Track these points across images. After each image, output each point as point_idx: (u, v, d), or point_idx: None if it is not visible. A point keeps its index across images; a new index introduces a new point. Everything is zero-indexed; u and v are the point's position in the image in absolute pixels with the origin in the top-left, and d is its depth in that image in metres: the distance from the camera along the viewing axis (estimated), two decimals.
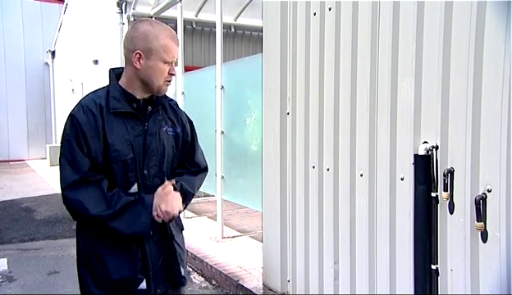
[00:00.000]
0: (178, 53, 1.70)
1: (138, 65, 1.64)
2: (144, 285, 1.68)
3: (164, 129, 1.75)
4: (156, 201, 1.64)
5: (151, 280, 1.69)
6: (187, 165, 1.88)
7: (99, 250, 1.65)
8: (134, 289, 1.67)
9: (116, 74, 1.73)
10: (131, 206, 1.62)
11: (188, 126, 1.89)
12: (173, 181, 1.72)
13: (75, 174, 1.58)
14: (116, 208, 1.59)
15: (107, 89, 1.70)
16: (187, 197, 1.80)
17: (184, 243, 1.89)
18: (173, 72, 1.69)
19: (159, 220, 1.64)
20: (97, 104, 1.65)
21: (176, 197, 1.68)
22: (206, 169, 1.97)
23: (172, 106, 1.85)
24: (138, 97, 1.69)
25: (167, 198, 1.64)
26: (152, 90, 1.69)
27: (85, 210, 1.57)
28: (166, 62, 1.65)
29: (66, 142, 1.61)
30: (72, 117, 1.62)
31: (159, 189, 1.67)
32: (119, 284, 1.65)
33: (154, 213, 1.62)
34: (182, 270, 1.80)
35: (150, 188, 1.67)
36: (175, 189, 1.69)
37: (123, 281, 1.65)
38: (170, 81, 1.71)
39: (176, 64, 1.73)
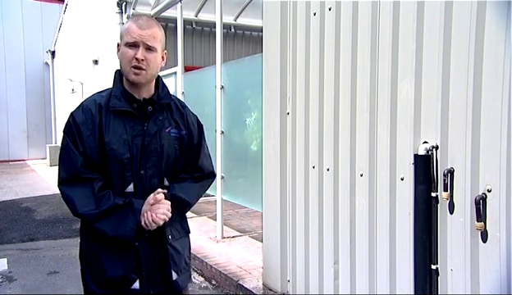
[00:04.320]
0: (145, 37, 1.60)
1: (118, 57, 1.67)
2: (137, 285, 1.67)
3: (167, 130, 1.73)
4: (144, 207, 1.63)
5: (144, 281, 1.67)
6: (191, 170, 1.84)
7: (96, 247, 1.66)
8: (127, 289, 1.66)
9: (121, 75, 1.72)
10: (120, 209, 1.61)
11: (196, 129, 1.85)
12: (165, 190, 1.69)
13: (68, 170, 1.63)
14: (103, 209, 1.59)
15: (111, 89, 1.71)
16: (181, 207, 1.77)
17: (186, 247, 1.85)
18: (138, 56, 1.59)
19: (146, 227, 1.62)
20: (96, 103, 1.67)
21: (164, 206, 1.64)
22: (211, 174, 1.92)
23: (179, 107, 1.81)
24: (137, 97, 1.69)
25: (155, 207, 1.62)
26: (131, 82, 1.66)
27: (75, 207, 1.60)
28: (129, 45, 1.61)
29: (64, 139, 1.67)
30: (71, 116, 1.68)
31: (149, 196, 1.64)
32: (113, 283, 1.65)
33: (142, 219, 1.61)
34: (174, 274, 1.75)
35: (146, 189, 1.67)
36: (166, 198, 1.67)
37: (117, 280, 1.65)
38: (138, 69, 1.61)
39: (155, 50, 1.63)
